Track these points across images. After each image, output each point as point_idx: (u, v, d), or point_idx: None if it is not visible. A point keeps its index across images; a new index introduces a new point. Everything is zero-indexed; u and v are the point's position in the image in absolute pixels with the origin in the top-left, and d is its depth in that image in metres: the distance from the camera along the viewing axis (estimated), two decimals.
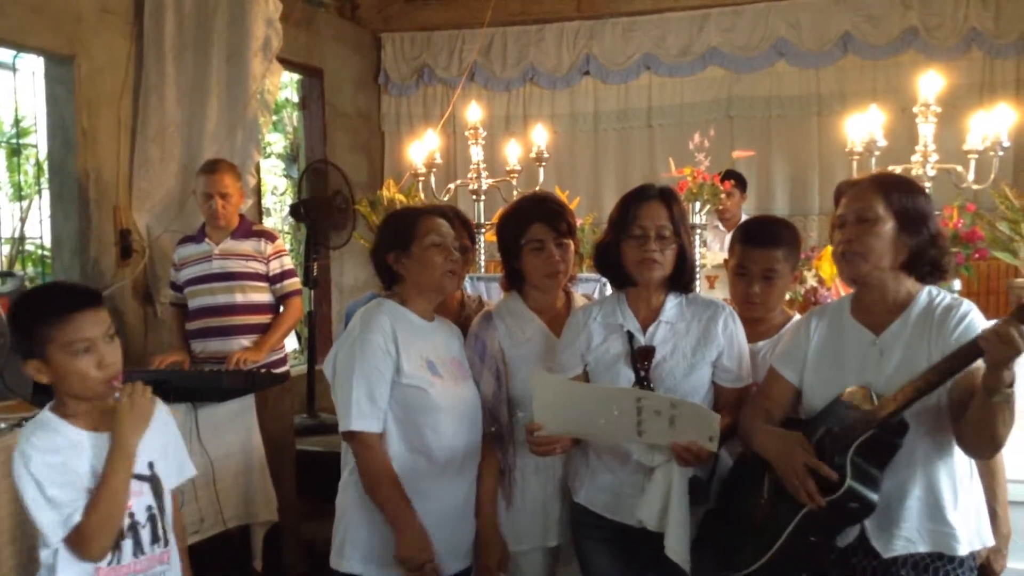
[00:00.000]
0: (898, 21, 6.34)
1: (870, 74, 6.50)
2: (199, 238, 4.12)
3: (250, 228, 4.15)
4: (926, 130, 3.65)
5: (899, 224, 2.05)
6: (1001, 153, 3.77)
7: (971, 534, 2.05)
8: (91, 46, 4.51)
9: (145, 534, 2.04)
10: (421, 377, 2.37)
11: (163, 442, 2.15)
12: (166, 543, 2.09)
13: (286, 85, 7.33)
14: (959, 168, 3.75)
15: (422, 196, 4.74)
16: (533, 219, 2.47)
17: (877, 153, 3.89)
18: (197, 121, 4.89)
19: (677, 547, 2.17)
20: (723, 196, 4.14)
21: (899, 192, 2.08)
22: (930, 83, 3.62)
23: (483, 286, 4.19)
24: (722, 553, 2.26)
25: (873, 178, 2.19)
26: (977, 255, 3.78)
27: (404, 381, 2.35)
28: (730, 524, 2.27)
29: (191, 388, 3.43)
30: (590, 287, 3.48)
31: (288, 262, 4.18)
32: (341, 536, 2.44)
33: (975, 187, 3.79)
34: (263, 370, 3.90)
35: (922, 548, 2.02)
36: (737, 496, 2.29)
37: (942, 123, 3.70)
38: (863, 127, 3.94)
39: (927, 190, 3.62)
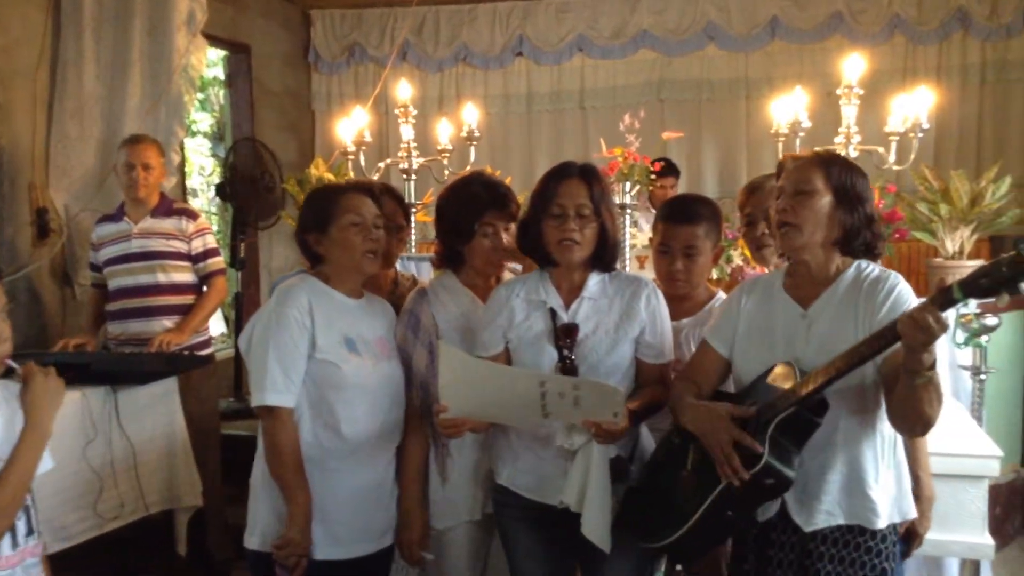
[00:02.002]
0: (824, 6, 6.45)
1: (797, 58, 6.61)
2: (117, 217, 3.99)
3: (171, 206, 4.04)
4: (849, 112, 3.72)
5: (836, 199, 2.06)
6: (921, 135, 3.85)
7: (890, 507, 2.07)
8: (5, 17, 4.32)
9: (20, 526, 1.98)
10: (335, 353, 2.34)
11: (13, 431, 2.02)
12: (38, 535, 2.04)
13: (213, 63, 7.16)
14: (880, 150, 3.83)
15: (351, 175, 4.68)
16: (488, 205, 2.46)
17: (802, 135, 3.95)
18: (117, 97, 4.73)
19: (594, 528, 2.16)
20: (657, 185, 4.16)
21: (839, 169, 2.09)
22: (853, 65, 3.69)
23: (413, 266, 4.16)
24: (641, 526, 2.26)
25: (816, 154, 2.20)
26: (897, 235, 3.87)
27: (318, 356, 2.33)
28: (651, 499, 2.27)
29: (111, 371, 3.35)
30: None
31: (211, 240, 4.07)
32: (251, 514, 2.43)
33: (896, 168, 3.87)
34: (186, 352, 3.82)
35: (842, 520, 2.04)
36: (660, 473, 2.30)
37: (865, 106, 3.77)
38: (788, 109, 4.00)
39: None
